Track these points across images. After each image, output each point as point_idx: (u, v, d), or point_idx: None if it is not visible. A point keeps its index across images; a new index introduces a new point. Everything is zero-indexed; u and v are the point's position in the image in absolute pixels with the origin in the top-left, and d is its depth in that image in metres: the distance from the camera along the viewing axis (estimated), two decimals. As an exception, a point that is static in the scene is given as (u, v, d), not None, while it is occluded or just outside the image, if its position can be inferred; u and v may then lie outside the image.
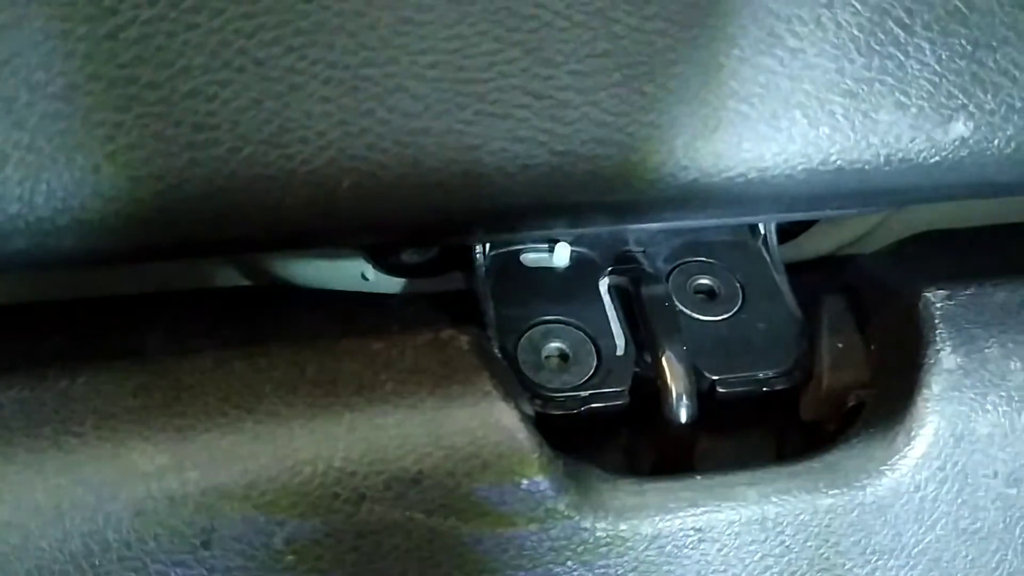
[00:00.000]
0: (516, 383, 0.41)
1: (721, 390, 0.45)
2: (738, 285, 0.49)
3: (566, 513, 0.37)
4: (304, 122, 0.30)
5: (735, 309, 0.48)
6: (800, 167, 0.34)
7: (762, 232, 0.50)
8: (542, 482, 0.37)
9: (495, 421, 0.37)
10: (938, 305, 0.42)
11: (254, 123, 0.30)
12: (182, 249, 0.33)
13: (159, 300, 0.43)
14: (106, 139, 0.29)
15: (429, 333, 0.39)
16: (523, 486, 0.37)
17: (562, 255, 0.48)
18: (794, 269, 0.50)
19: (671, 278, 0.48)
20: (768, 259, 0.50)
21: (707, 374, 0.45)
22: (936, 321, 0.42)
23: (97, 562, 0.33)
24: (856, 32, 0.33)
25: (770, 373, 0.46)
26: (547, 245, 0.48)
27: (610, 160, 0.33)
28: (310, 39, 0.29)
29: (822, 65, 0.33)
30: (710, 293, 0.49)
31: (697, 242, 0.50)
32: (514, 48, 0.31)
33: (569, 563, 0.37)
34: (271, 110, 0.30)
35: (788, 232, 0.54)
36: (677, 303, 0.47)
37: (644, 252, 0.49)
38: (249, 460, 0.35)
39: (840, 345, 0.46)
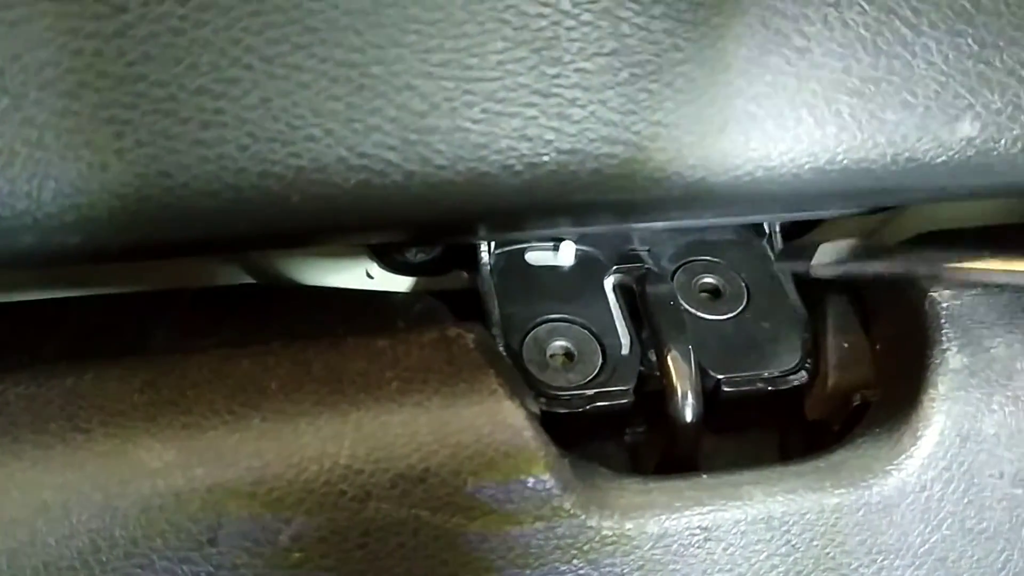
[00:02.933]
0: (522, 381, 0.41)
1: (726, 389, 0.45)
2: (743, 284, 0.49)
3: (572, 512, 0.37)
4: (312, 120, 0.30)
5: (740, 308, 0.48)
6: (807, 166, 0.34)
7: (767, 231, 0.50)
8: (548, 480, 0.37)
9: (501, 419, 0.37)
10: (944, 305, 0.42)
11: (262, 120, 0.30)
12: (189, 246, 0.33)
13: (164, 298, 0.43)
14: (114, 136, 0.29)
15: (435, 331, 0.39)
16: (529, 484, 0.37)
17: (567, 254, 0.48)
18: None
19: (676, 277, 0.48)
20: (773, 258, 0.50)
21: (712, 373, 0.45)
22: (942, 321, 0.42)
23: (104, 559, 0.33)
24: (863, 31, 0.33)
25: (775, 372, 0.45)
26: (552, 244, 0.48)
27: (617, 159, 0.33)
28: (318, 37, 0.29)
29: (829, 64, 0.33)
30: (715, 292, 0.49)
31: (702, 241, 0.50)
32: (522, 47, 0.31)
33: (575, 561, 0.37)
34: (279, 108, 0.30)
35: (792, 232, 0.54)
36: (682, 302, 0.47)
37: (649, 251, 0.49)
38: (255, 457, 0.35)
39: (845, 345, 0.46)
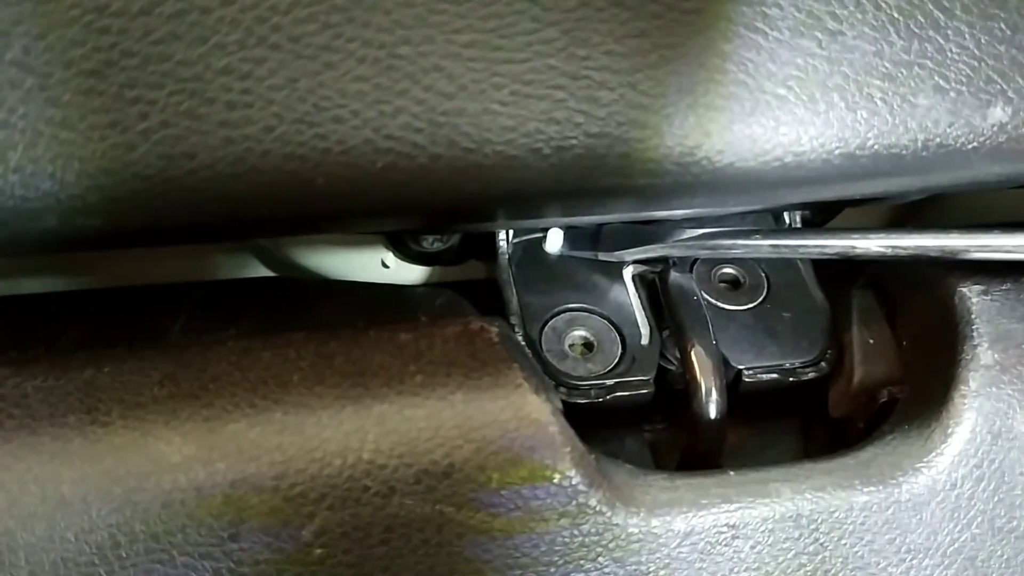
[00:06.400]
0: (544, 376, 0.41)
1: (747, 379, 0.44)
2: (763, 275, 0.48)
3: (598, 509, 0.36)
4: (339, 101, 0.30)
5: (760, 299, 0.47)
6: (837, 151, 0.34)
7: (787, 221, 0.50)
8: (574, 477, 0.36)
9: (526, 414, 0.36)
10: (974, 300, 0.42)
11: (288, 101, 0.29)
12: (212, 230, 0.33)
13: (182, 290, 0.42)
14: (139, 117, 0.29)
15: (458, 324, 0.38)
16: (555, 481, 0.36)
17: None
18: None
19: (695, 267, 0.48)
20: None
21: (733, 363, 0.44)
22: (972, 316, 0.41)
23: (123, 554, 0.33)
24: (896, 14, 0.33)
25: (796, 363, 0.45)
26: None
27: (645, 142, 0.32)
28: (346, 17, 0.29)
29: (861, 48, 0.33)
30: (734, 283, 0.48)
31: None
32: (551, 28, 0.30)
33: (601, 559, 0.37)
34: (305, 88, 0.29)
35: (812, 222, 0.54)
36: (701, 292, 0.46)
37: None
38: (277, 452, 0.34)
39: (871, 340, 0.45)
